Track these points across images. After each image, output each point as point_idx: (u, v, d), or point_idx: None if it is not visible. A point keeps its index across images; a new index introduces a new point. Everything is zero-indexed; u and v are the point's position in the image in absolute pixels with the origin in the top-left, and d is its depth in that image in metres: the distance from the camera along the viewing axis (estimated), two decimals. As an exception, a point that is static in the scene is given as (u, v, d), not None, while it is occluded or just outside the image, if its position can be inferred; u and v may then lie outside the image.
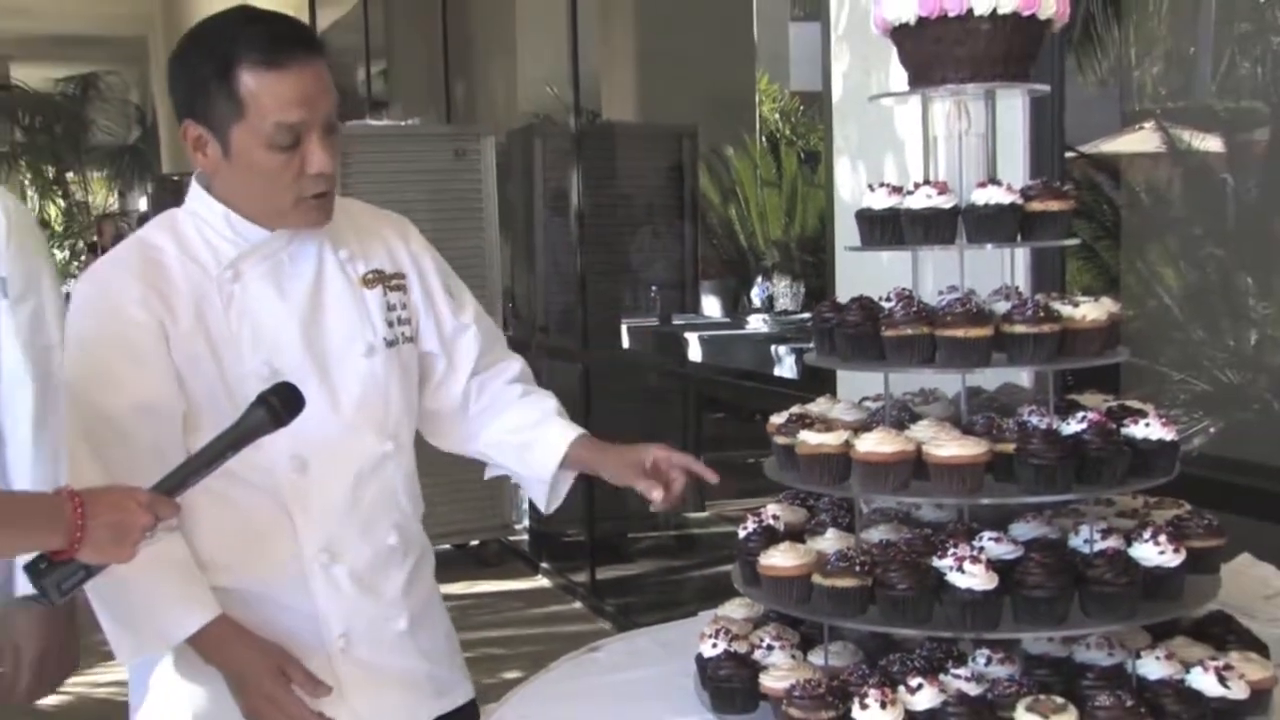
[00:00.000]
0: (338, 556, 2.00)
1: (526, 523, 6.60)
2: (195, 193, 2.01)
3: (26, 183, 20.92)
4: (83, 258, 13.41)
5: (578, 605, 5.91)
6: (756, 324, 7.21)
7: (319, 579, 2.00)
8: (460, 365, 2.18)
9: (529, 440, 2.17)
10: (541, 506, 2.23)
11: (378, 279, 2.08)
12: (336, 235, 2.05)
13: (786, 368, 6.48)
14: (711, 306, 7.58)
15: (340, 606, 2.01)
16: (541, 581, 6.27)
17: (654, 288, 7.06)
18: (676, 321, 7.09)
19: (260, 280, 1.97)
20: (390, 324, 2.07)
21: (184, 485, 1.67)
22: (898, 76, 1.86)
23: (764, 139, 10.27)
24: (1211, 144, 4.22)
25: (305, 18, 10.94)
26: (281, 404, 1.71)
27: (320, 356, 1.99)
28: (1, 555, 1.51)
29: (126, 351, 1.90)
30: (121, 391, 1.89)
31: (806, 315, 7.13)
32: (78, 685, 5.09)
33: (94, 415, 1.89)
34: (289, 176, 1.90)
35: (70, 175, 21.68)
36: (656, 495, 2.02)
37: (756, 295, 7.92)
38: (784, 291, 7.61)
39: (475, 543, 6.40)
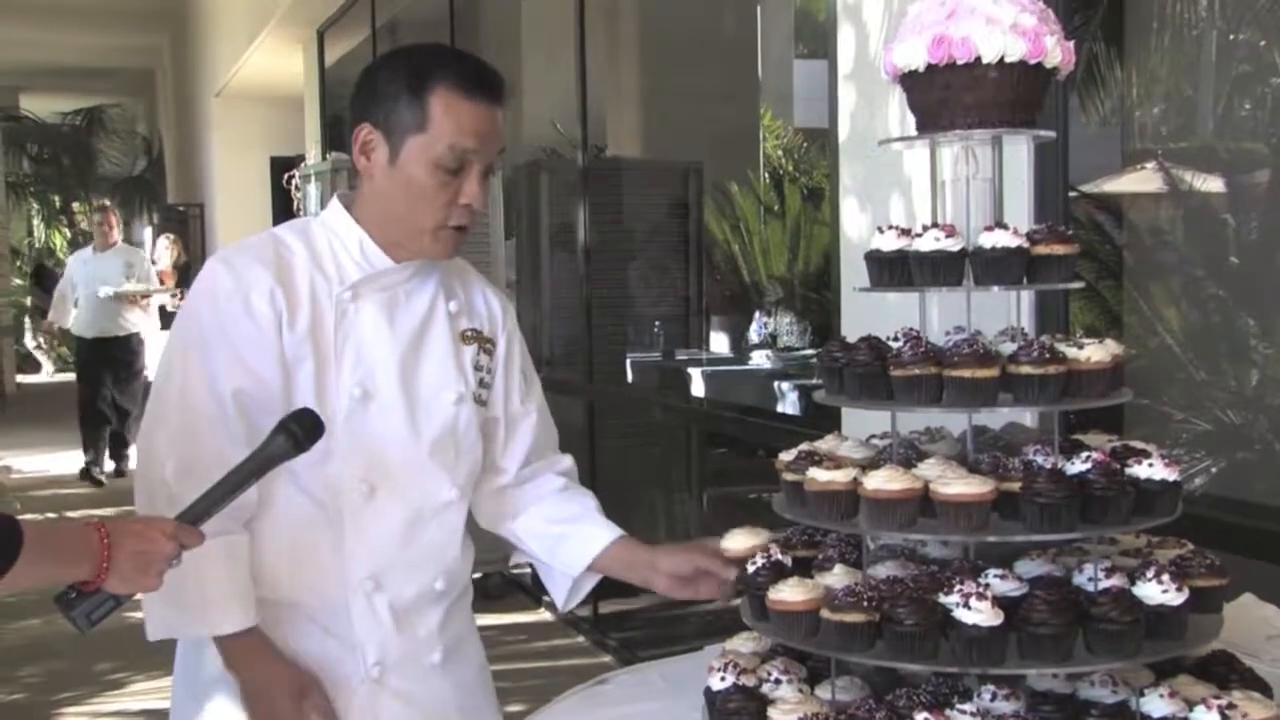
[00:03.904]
0: (382, 587, 2.04)
1: (529, 556, 6.59)
2: (335, 209, 2.08)
3: (34, 212, 21.03)
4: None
5: (580, 639, 5.91)
6: (760, 360, 7.23)
7: (360, 606, 2.03)
8: (516, 446, 2.23)
9: (565, 533, 2.21)
10: (559, 602, 2.28)
11: (475, 338, 2.15)
12: (449, 287, 2.14)
13: (790, 404, 6.49)
14: (715, 342, 7.61)
15: (377, 636, 2.04)
16: (544, 615, 6.28)
17: (657, 323, 7.09)
18: (680, 357, 7.11)
19: (375, 307, 2.03)
20: (477, 383, 2.13)
21: (208, 513, 1.71)
22: (904, 116, 1.90)
23: (767, 175, 10.31)
24: (1213, 185, 4.25)
25: (314, 52, 11.03)
26: (302, 431, 1.75)
27: (412, 391, 2.05)
28: (28, 585, 1.54)
29: (240, 335, 1.96)
30: (228, 371, 1.95)
31: (810, 351, 7.14)
32: (80, 716, 5.10)
33: (200, 387, 1.95)
34: (442, 199, 1.98)
35: (76, 205, 21.79)
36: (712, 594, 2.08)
37: (755, 331, 7.95)
38: (787, 328, 7.62)
39: (478, 575, 6.40)
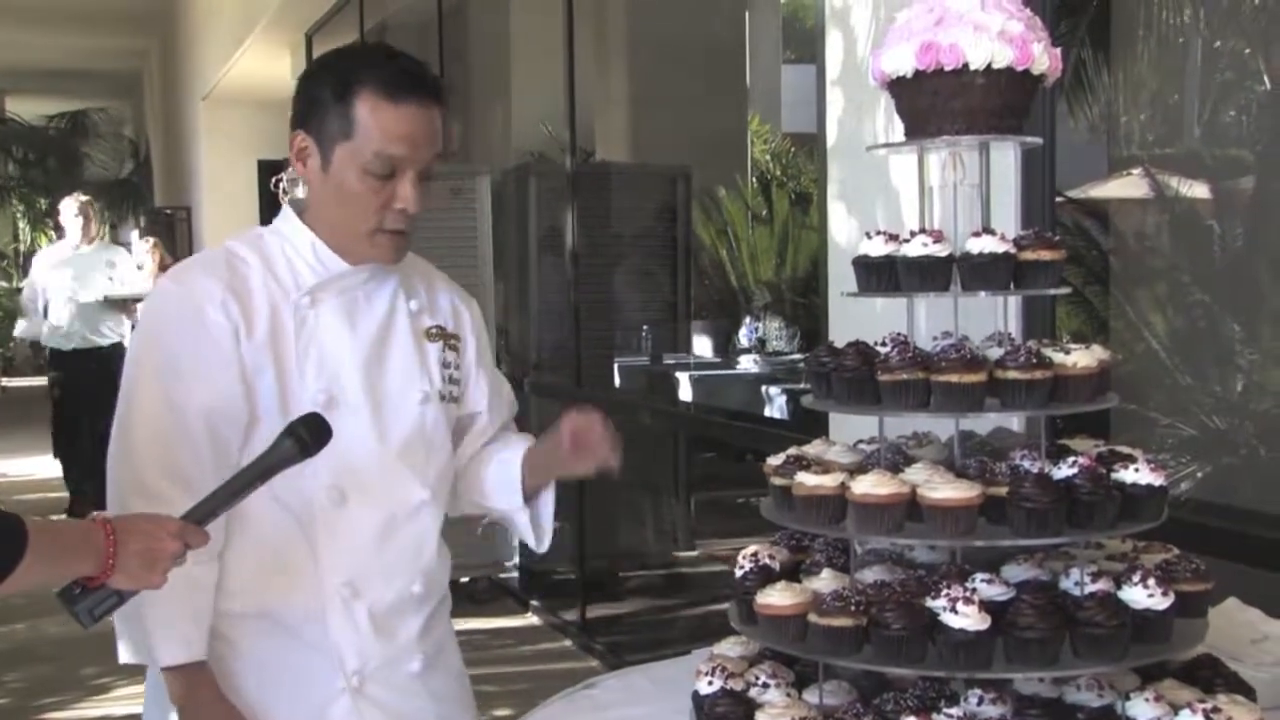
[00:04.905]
0: (359, 593, 2.02)
1: (517, 560, 6.60)
2: (286, 215, 2.07)
3: (19, 215, 20.95)
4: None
5: (568, 643, 5.90)
6: (747, 364, 7.23)
7: (338, 614, 2.01)
8: (479, 435, 2.23)
9: (499, 473, 2.19)
10: (531, 541, 2.24)
11: (440, 335, 2.14)
12: (409, 285, 2.12)
13: (777, 408, 6.50)
14: (703, 346, 7.61)
15: (356, 644, 2.03)
16: (531, 619, 6.27)
17: (645, 327, 7.09)
18: (668, 361, 7.11)
19: (334, 311, 2.02)
20: (444, 380, 2.12)
21: (213, 514, 1.71)
22: (891, 121, 1.90)
23: (755, 180, 10.33)
24: (1198, 190, 4.27)
25: (303, 56, 11.01)
26: (309, 435, 1.74)
27: (377, 394, 2.04)
28: (36, 582, 1.54)
29: (200, 351, 1.94)
30: (191, 390, 1.93)
31: (797, 356, 7.16)
32: (65, 720, 5.09)
33: (163, 410, 1.93)
34: (375, 204, 1.96)
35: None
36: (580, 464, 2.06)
37: (745, 336, 7.96)
38: (776, 333, 7.63)
39: (465, 580, 6.40)
